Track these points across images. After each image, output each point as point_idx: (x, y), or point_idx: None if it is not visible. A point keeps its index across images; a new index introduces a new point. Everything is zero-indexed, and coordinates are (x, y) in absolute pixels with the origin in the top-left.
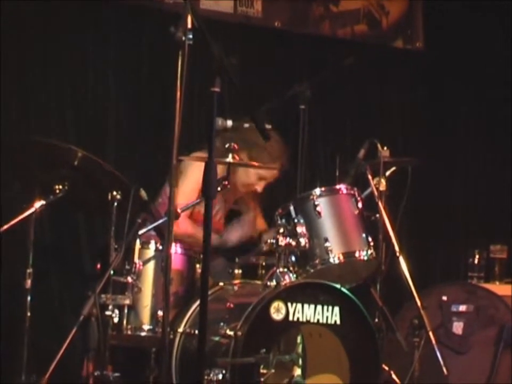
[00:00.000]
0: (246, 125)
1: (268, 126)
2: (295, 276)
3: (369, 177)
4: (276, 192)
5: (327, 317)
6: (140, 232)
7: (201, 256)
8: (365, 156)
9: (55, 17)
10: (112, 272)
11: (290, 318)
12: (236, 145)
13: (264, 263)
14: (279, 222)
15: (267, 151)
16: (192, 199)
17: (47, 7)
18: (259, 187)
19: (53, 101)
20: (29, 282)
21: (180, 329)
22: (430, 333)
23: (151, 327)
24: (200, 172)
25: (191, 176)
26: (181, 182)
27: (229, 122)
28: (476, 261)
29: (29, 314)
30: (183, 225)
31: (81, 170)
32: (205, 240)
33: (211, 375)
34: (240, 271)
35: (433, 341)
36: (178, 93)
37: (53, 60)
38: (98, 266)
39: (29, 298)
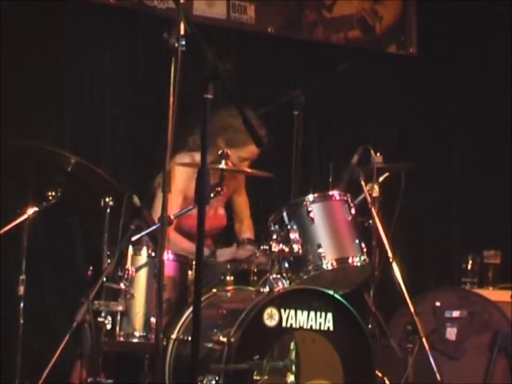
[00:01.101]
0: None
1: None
2: (288, 282)
3: (362, 183)
4: (269, 198)
5: (320, 323)
6: (133, 238)
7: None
8: (358, 162)
9: (51, 21)
10: (105, 278)
11: (284, 324)
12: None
13: (256, 270)
14: (272, 228)
15: (242, 131)
16: (177, 202)
17: (42, 11)
18: (244, 167)
19: (47, 106)
20: (21, 289)
21: (173, 336)
22: (423, 339)
23: (143, 333)
24: (182, 174)
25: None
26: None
27: None
28: (469, 267)
29: (22, 321)
30: (176, 240)
31: (74, 176)
32: (198, 246)
33: (204, 381)
34: (232, 278)
35: (427, 347)
36: (172, 99)
37: (48, 64)
38: (90, 272)
39: (22, 304)
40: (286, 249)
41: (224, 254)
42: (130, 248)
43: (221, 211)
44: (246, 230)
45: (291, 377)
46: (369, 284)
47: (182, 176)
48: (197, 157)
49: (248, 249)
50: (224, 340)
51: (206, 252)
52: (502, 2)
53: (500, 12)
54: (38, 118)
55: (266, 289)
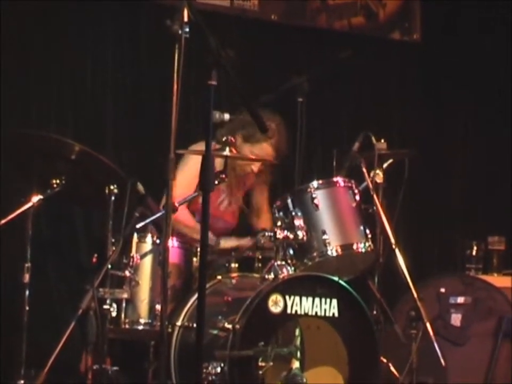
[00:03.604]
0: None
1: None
2: (293, 268)
3: (364, 170)
4: (274, 185)
5: (325, 310)
6: (137, 226)
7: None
8: (359, 149)
9: (53, 11)
10: (109, 266)
11: (288, 310)
12: (232, 138)
13: (260, 257)
14: (277, 215)
15: None
16: (190, 191)
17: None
18: (254, 167)
19: (50, 94)
20: (27, 276)
21: (178, 323)
22: (428, 325)
23: (149, 320)
24: (198, 163)
25: (189, 167)
26: (178, 174)
27: (226, 116)
28: (474, 253)
29: (27, 308)
30: (183, 216)
31: (78, 164)
32: (202, 233)
33: (209, 368)
34: (236, 265)
35: (431, 333)
36: (175, 86)
37: (51, 53)
38: (95, 260)
39: (27, 292)
40: (291, 236)
41: (229, 241)
42: (135, 235)
43: (234, 207)
44: (264, 223)
45: (296, 364)
46: (374, 270)
47: (197, 163)
48: (216, 147)
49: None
50: (229, 326)
51: (212, 237)
52: None
53: None
54: (41, 106)
55: (271, 276)
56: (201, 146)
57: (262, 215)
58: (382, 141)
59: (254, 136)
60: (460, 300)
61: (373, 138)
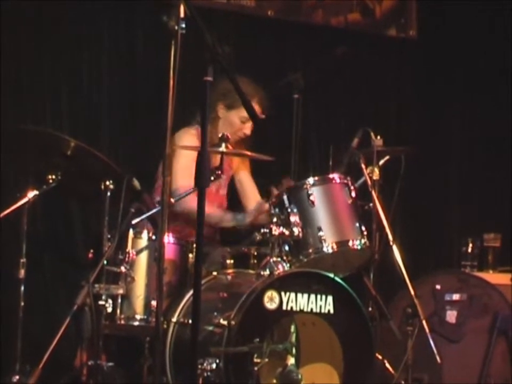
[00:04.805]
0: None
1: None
2: (288, 265)
3: (363, 166)
4: (269, 181)
5: (320, 306)
6: (133, 221)
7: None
8: (358, 145)
9: (48, 6)
10: (105, 261)
11: (284, 307)
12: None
13: (256, 253)
14: (273, 211)
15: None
16: (191, 174)
17: None
18: (247, 130)
19: (46, 90)
20: (22, 272)
21: (174, 319)
22: (423, 322)
23: (144, 316)
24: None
25: (184, 155)
26: (176, 161)
27: None
28: (469, 250)
29: (22, 304)
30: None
31: (74, 160)
32: (198, 228)
33: (204, 364)
34: (231, 261)
35: (427, 330)
36: (171, 82)
37: (47, 48)
38: (91, 255)
39: (22, 288)
40: (286, 232)
41: (247, 216)
42: (131, 231)
43: (223, 191)
44: (255, 199)
45: (291, 360)
46: (369, 267)
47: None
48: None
49: (262, 209)
50: (225, 322)
51: (219, 213)
52: None
53: None
54: (36, 101)
55: (267, 272)
56: (189, 131)
57: (251, 195)
58: (379, 137)
59: (238, 101)
60: (455, 296)
61: (372, 135)
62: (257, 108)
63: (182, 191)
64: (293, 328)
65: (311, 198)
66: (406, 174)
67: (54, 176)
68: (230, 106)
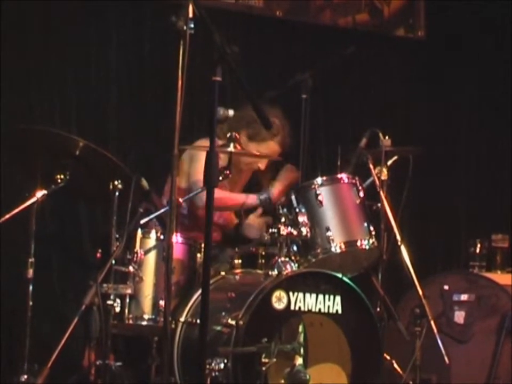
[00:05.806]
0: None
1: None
2: (296, 265)
3: (371, 166)
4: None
5: (328, 306)
6: (142, 221)
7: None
8: (366, 145)
9: (56, 4)
10: (113, 261)
11: (292, 307)
12: (237, 135)
13: (264, 253)
14: (281, 211)
15: None
16: None
17: None
18: (262, 165)
19: (55, 90)
20: (30, 271)
21: (182, 319)
22: (432, 322)
23: (152, 316)
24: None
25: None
26: (197, 159)
27: (231, 112)
28: (478, 250)
29: (30, 303)
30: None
31: (82, 160)
32: (206, 230)
33: (213, 364)
34: (239, 261)
35: (435, 330)
36: (180, 82)
37: (55, 49)
38: (99, 255)
39: (30, 287)
40: (295, 232)
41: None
42: (139, 231)
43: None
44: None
45: (299, 360)
46: (377, 267)
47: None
48: (219, 142)
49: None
50: (233, 322)
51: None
52: None
53: None
54: (45, 102)
55: (275, 272)
56: (204, 143)
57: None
58: (387, 137)
59: (260, 134)
60: (464, 297)
61: (380, 135)
62: (276, 148)
63: (201, 184)
64: (301, 328)
65: (319, 198)
66: (414, 174)
67: (62, 176)
68: (251, 138)
